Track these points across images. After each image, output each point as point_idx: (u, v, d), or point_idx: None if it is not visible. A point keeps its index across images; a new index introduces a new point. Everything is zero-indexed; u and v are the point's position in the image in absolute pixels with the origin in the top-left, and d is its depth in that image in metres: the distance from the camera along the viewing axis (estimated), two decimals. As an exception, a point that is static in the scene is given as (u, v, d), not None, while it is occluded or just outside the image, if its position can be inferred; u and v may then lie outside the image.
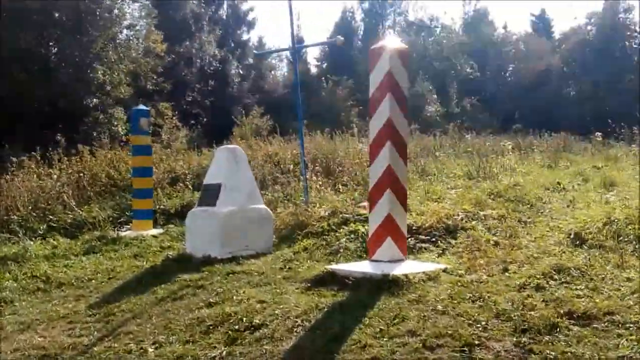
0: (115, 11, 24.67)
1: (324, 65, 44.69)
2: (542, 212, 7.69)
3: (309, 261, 6.23)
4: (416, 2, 59.34)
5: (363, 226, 6.94)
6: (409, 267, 5.07)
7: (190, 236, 7.23)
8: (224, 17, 40.83)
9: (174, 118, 26.03)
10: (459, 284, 4.75)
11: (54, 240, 8.76)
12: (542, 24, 56.53)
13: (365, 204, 7.94)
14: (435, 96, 32.78)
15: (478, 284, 4.76)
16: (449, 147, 15.60)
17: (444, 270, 5.12)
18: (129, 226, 9.66)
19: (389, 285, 4.72)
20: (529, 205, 7.97)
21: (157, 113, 25.11)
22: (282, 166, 12.13)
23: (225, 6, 41.07)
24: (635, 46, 51.90)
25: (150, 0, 30.36)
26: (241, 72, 39.09)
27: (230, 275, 5.89)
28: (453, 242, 6.20)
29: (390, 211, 5.21)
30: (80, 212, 9.88)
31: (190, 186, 11.11)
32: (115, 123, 22.60)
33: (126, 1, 25.89)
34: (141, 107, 9.54)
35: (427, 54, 42.29)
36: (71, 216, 9.73)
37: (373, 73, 5.36)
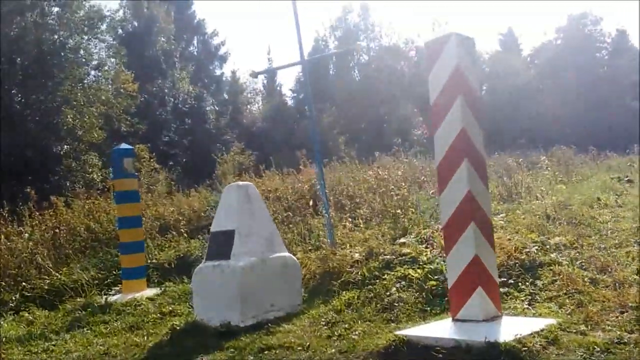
0: (82, 52, 23.31)
1: (301, 96, 43.69)
2: (609, 235, 6.50)
3: (360, 322, 4.91)
4: (388, 26, 58.77)
5: (414, 270, 5.67)
6: (514, 328, 3.77)
7: (200, 299, 5.83)
8: (195, 53, 39.69)
9: (152, 160, 24.61)
10: (595, 348, 3.47)
11: (28, 313, 7.29)
12: (510, 41, 56.74)
13: (404, 240, 6.68)
14: (421, 119, 31.92)
15: (617, 345, 3.49)
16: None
17: (560, 327, 3.84)
18: (117, 288, 8.20)
19: (502, 358, 3.42)
20: (589, 227, 6.79)
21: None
22: (284, 203, 10.80)
23: (195, 42, 39.98)
24: (605, 57, 52.51)
25: (117, 40, 29.13)
26: (217, 108, 37.83)
27: (266, 352, 4.51)
28: (539, 283, 4.93)
29: (477, 252, 3.95)
30: (59, 276, 8.40)
31: (185, 233, 9.70)
32: (90, 170, 21.03)
33: (92, 40, 24.51)
34: (124, 145, 8.17)
35: (405, 78, 41.63)
36: (48, 281, 8.24)
37: (433, 73, 4.15)
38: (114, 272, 8.66)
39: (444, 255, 5.75)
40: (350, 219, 8.35)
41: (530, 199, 8.69)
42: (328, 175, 11.91)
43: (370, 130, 33.21)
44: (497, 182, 9.89)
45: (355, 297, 5.50)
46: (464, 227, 3.93)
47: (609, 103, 44.01)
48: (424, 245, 6.52)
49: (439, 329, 4.03)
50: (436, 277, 5.44)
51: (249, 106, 43.01)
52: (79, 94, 21.85)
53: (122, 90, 26.68)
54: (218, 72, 41.26)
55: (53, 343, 5.93)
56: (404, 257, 6.12)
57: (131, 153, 8.07)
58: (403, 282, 5.53)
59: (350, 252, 6.65)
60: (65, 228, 9.98)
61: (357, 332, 4.62)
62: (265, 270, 5.67)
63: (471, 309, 3.94)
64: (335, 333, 4.68)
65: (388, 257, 6.19)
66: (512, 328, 3.75)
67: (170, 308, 6.78)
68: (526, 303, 4.58)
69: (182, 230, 9.70)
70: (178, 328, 5.69)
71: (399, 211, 7.95)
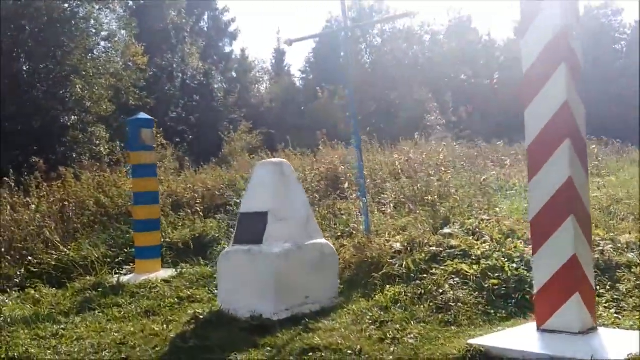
0: (92, 21, 22.55)
1: (310, 77, 42.86)
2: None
3: (413, 323, 4.32)
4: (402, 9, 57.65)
5: (468, 265, 5.07)
6: (619, 343, 3.18)
7: (225, 287, 5.25)
8: (205, 29, 38.79)
9: (159, 135, 23.96)
10: None
11: (35, 291, 6.74)
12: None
13: (448, 230, 6.08)
14: (435, 104, 31.06)
15: None
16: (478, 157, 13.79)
17: (669, 343, 3.25)
18: (129, 267, 7.64)
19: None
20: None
21: (141, 131, 22.99)
22: (304, 185, 10.18)
23: (206, 18, 39.04)
24: (624, 49, 51.59)
25: (128, 12, 28.35)
26: (225, 86, 37.03)
27: (310, 354, 3.92)
28: (621, 287, 4.34)
29: (576, 251, 3.33)
30: (67, 252, 7.83)
31: (200, 212, 9.10)
32: (97, 142, 20.36)
33: (103, 11, 23.73)
34: (142, 115, 7.54)
35: (418, 62, 40.77)
36: (56, 257, 7.68)
37: (529, 35, 3.49)
38: (125, 250, 8.10)
39: (502, 250, 5.19)
40: (375, 205, 7.74)
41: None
42: (347, 159, 11.28)
43: (380, 115, 32.41)
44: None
45: (402, 293, 4.92)
46: (561, 220, 3.32)
47: (623, 96, 43.29)
48: (472, 237, 5.92)
49: (523, 340, 3.43)
50: (496, 274, 4.85)
51: (257, 85, 42.18)
52: (89, 64, 21.10)
53: (131, 63, 25.99)
54: (228, 49, 40.40)
55: (62, 326, 5.35)
56: (452, 250, 5.52)
57: (149, 123, 7.45)
58: (456, 279, 4.94)
59: (389, 241, 6.05)
60: (74, 201, 9.38)
61: (412, 335, 4.04)
62: (300, 259, 5.09)
63: (564, 318, 3.34)
64: (388, 335, 4.09)
65: (434, 249, 5.60)
66: (615, 343, 3.16)
67: (189, 292, 6.22)
68: (613, 311, 3.99)
69: (197, 208, 9.09)
70: (201, 317, 5.11)
71: (435, 198, 7.33)
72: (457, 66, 42.25)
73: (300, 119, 35.43)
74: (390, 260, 5.58)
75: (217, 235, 8.33)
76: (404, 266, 5.34)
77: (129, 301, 6.12)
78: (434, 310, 4.53)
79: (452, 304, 4.55)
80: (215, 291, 6.22)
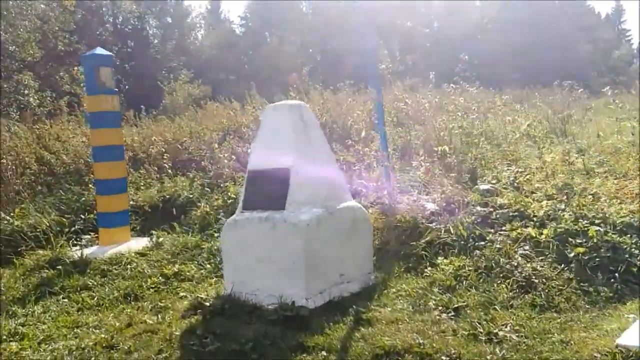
0: (11, -47, 19.86)
1: (250, 24, 40.70)
2: None
3: (499, 309, 3.38)
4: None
5: (534, 229, 4.18)
6: None
7: (235, 263, 4.11)
8: (138, -32, 35.76)
9: (93, 85, 21.84)
10: None
11: (-22, 270, 5.37)
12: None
13: (486, 186, 5.16)
14: (386, 52, 30.03)
15: None
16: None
17: None
18: (89, 237, 6.32)
19: None
20: None
21: (72, 80, 20.87)
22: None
23: (138, -43, 35.94)
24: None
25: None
26: (161, 32, 34.50)
27: (388, 360, 2.91)
28: None
29: None
30: (10, 220, 6.42)
31: (168, 168, 7.80)
32: (26, 92, 18.17)
33: (23, -59, 20.96)
34: (99, 50, 6.07)
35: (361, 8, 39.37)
36: (-3, 227, 6.27)
37: None
38: (82, 217, 6.76)
39: (573, 209, 4.31)
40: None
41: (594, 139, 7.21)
42: (331, 105, 10.14)
43: (326, 63, 31.16)
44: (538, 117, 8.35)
45: (464, 266, 3.96)
46: None
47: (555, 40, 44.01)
48: (519, 192, 5.03)
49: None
50: (579, 241, 3.96)
51: (194, 32, 39.69)
52: (10, 3, 18.63)
53: (55, 4, 23.40)
54: (163, -9, 37.47)
55: (20, 320, 4.11)
56: (505, 211, 4.60)
57: (108, 60, 6.01)
58: (526, 247, 4.03)
59: (417, 200, 5.06)
60: (12, 159, 7.84)
61: (511, 329, 3.10)
62: (333, 227, 4.02)
63: None
64: (478, 329, 3.12)
65: (480, 209, 4.65)
66: None
67: (175, 269, 5.06)
68: None
69: (165, 165, 7.77)
70: (207, 304, 3.99)
71: (445, 148, 6.37)
72: (398, 13, 41.25)
73: (242, 68, 33.64)
74: (430, 225, 4.60)
75: (190, 196, 7.12)
76: (453, 232, 4.37)
77: (100, 281, 4.91)
78: (517, 290, 3.61)
79: (536, 281, 3.64)
80: (208, 266, 5.13)
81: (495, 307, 3.41)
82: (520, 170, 5.69)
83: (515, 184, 5.26)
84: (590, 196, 4.63)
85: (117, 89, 6.08)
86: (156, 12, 35.48)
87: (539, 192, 4.88)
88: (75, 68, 24.72)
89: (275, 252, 3.87)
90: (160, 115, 16.04)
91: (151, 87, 27.83)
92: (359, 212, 4.29)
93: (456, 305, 3.48)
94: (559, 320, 3.22)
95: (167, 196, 7.23)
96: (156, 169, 7.89)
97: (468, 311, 3.40)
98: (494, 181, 5.37)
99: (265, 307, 3.74)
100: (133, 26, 30.94)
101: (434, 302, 3.59)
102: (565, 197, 4.69)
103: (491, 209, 4.63)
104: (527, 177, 5.42)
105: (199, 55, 34.82)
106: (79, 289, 4.75)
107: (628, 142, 6.46)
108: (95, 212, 6.52)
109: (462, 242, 4.27)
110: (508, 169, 5.68)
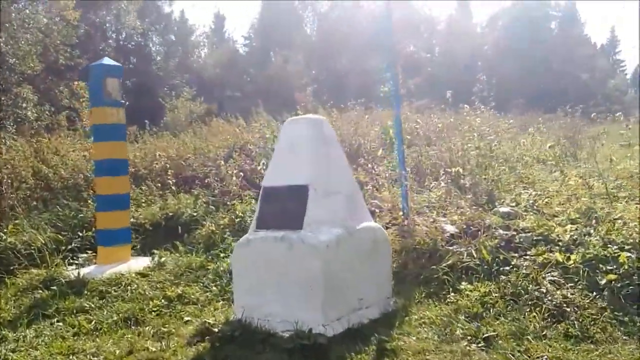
0: (15, -33, 19.84)
1: (253, 44, 40.80)
2: None
3: (532, 339, 3.12)
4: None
5: (561, 254, 3.93)
6: None
7: (246, 286, 3.84)
8: (142, -15, 35.83)
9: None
10: None
11: (-39, 290, 5.08)
12: (464, 8, 55.65)
13: (506, 208, 4.92)
14: (388, 74, 30.03)
15: None
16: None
17: None
18: (86, 255, 6.03)
19: None
20: None
21: (72, 94, 20.72)
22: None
23: (142, -27, 36.04)
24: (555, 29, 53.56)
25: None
26: (164, 49, 34.46)
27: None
28: None
29: None
30: (3, 235, 6.13)
31: (172, 185, 7.55)
32: (24, 105, 17.96)
33: (27, -46, 20.97)
34: (106, 61, 5.87)
35: (363, 29, 39.51)
36: (-10, 243, 5.98)
37: None
38: (80, 234, 6.47)
39: (599, 234, 4.07)
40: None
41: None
42: (342, 125, 9.88)
43: (329, 83, 31.13)
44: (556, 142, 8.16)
45: (491, 293, 3.70)
46: None
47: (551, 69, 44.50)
48: (540, 216, 4.79)
49: None
50: (609, 267, 3.71)
51: (197, 50, 39.74)
52: (13, 15, 18.52)
53: (58, 18, 23.33)
54: (167, 9, 37.61)
55: (11, 346, 3.81)
56: (528, 234, 4.35)
57: (117, 71, 5.80)
58: (554, 273, 3.77)
59: (435, 221, 4.81)
60: (8, 172, 7.58)
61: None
62: (352, 248, 3.76)
63: None
64: (517, 361, 2.86)
65: (502, 232, 4.41)
66: None
67: (179, 291, 4.78)
68: None
69: (169, 181, 7.52)
70: (216, 330, 3.71)
71: (459, 170, 6.13)
72: (402, 37, 41.51)
73: (245, 86, 33.58)
74: (451, 248, 4.35)
75: (195, 214, 6.85)
76: (476, 256, 4.11)
77: (98, 304, 4.61)
78: (548, 319, 3.34)
79: (568, 309, 3.38)
80: (214, 288, 4.85)
81: (528, 337, 3.15)
82: (538, 193, 5.46)
83: (535, 207, 5.02)
84: (616, 221, 4.39)
85: (123, 101, 5.84)
86: (160, 29, 35.55)
87: (561, 216, 4.64)
88: (76, 82, 24.51)
89: (291, 275, 3.61)
90: (162, 131, 15.88)
91: (153, 104, 27.70)
92: (379, 233, 4.03)
93: (486, 335, 3.22)
94: (596, 353, 2.96)
95: (170, 214, 6.97)
96: (159, 185, 7.62)
97: (499, 342, 3.13)
98: (512, 204, 5.13)
99: (280, 334, 3.46)
100: (136, 42, 30.92)
101: (461, 331, 3.32)
102: (590, 221, 4.45)
103: (513, 233, 4.39)
104: (547, 200, 5.19)
105: (201, 73, 34.81)
106: (75, 311, 4.45)
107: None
108: (94, 229, 6.26)
109: (486, 267, 4.02)
110: (525, 192, 5.44)
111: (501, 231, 4.43)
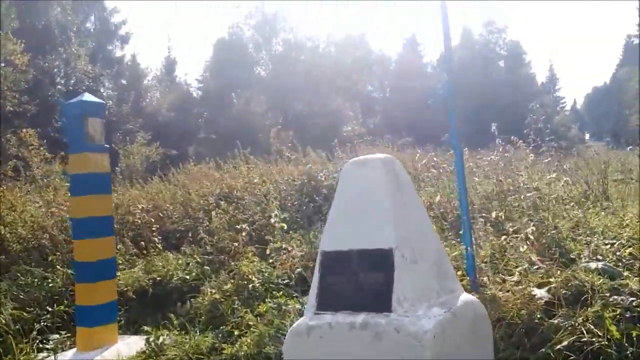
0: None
1: (210, 86, 39.86)
2: None
3: None
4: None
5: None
6: None
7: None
8: (92, 30, 34.49)
9: (43, 148, 20.16)
10: None
11: None
12: (412, 47, 56.77)
13: (594, 264, 4.04)
14: (351, 113, 29.55)
15: None
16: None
17: None
18: (59, 337, 4.80)
19: None
20: None
21: (20, 142, 19.20)
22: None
23: (93, 18, 34.73)
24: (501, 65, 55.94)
25: (3, 2, 24.20)
26: (117, 93, 33.07)
27: None
28: None
29: None
30: (-47, 316, 4.85)
31: (158, 242, 6.39)
32: (-33, 153, 16.38)
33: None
34: (87, 97, 4.76)
35: (322, 71, 39.40)
36: None
37: None
38: (49, 309, 5.24)
39: None
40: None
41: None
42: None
43: (294, 125, 30.41)
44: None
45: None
46: None
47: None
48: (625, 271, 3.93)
49: None
50: None
51: (150, 94, 38.47)
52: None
53: (4, 63, 21.95)
54: (119, 53, 36.34)
55: None
56: (635, 299, 3.46)
57: (99, 109, 4.70)
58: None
59: (519, 282, 3.89)
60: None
61: None
62: (456, 333, 2.77)
63: None
64: None
65: (617, 297, 3.51)
66: None
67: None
68: None
69: (155, 238, 6.36)
70: None
71: (501, 214, 5.27)
72: (356, 77, 41.57)
73: (199, 130, 32.49)
74: (553, 321, 3.40)
75: (187, 278, 5.72)
76: (600, 333, 3.18)
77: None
78: None
79: None
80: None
81: None
82: (611, 240, 4.62)
83: (625, 259, 4.17)
84: None
85: (108, 145, 4.74)
86: (112, 73, 34.23)
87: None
88: (24, 130, 22.95)
89: (378, 377, 2.58)
90: (118, 179, 14.57)
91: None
92: (479, 309, 3.06)
93: None
94: None
95: (158, 278, 5.80)
96: (142, 243, 6.44)
97: None
98: (594, 256, 4.26)
99: None
100: (88, 87, 29.49)
101: None
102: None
103: (630, 298, 3.49)
104: (629, 250, 4.35)
105: (154, 115, 33.56)
106: None
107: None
108: (66, 302, 5.06)
109: (615, 348, 3.08)
110: (601, 241, 4.59)
111: (615, 297, 3.52)
